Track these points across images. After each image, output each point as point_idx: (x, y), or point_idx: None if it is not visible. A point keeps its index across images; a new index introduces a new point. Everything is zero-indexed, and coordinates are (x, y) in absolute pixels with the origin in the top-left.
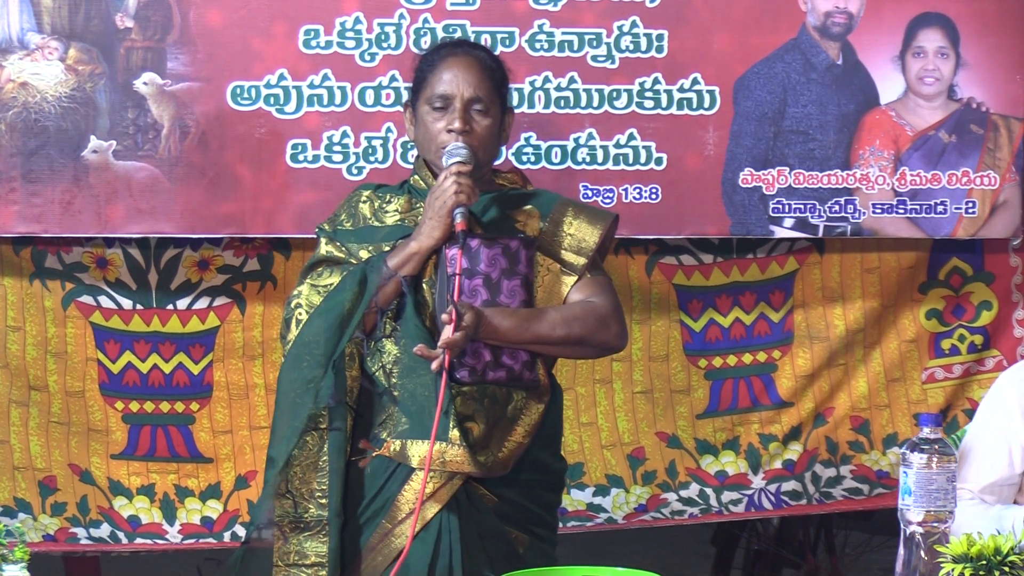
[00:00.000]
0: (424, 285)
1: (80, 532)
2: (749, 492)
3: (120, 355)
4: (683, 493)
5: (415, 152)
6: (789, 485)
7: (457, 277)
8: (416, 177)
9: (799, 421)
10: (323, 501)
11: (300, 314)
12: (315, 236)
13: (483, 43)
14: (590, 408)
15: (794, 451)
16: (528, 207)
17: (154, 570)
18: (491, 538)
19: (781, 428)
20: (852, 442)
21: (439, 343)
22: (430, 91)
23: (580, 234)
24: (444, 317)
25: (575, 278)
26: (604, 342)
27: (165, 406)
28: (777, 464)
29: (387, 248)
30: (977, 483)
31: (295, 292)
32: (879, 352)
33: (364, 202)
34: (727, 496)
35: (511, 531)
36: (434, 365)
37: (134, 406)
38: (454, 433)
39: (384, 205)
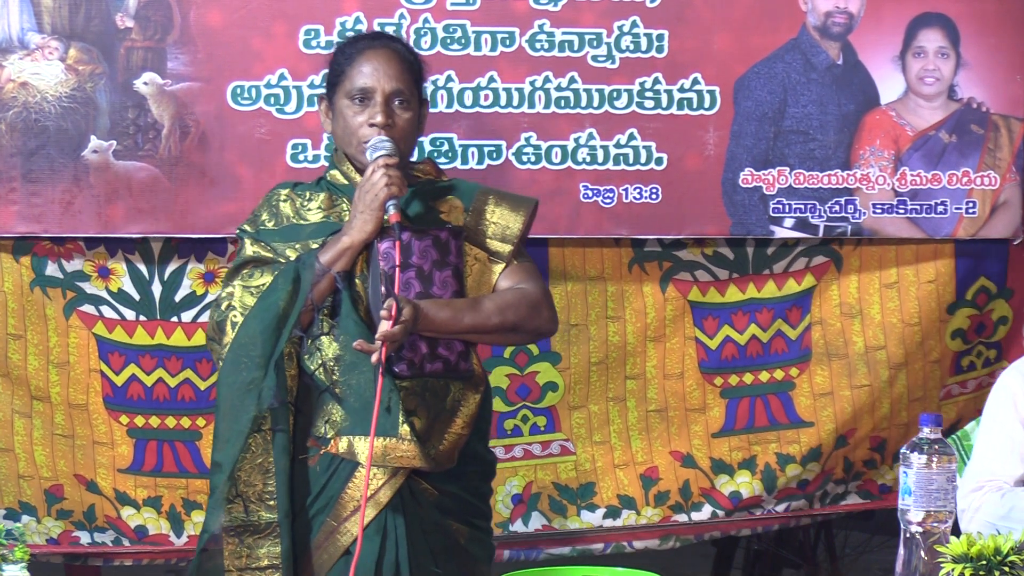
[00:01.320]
0: (357, 280)
1: (83, 536)
2: (757, 513)
3: (124, 367)
4: (694, 516)
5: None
6: (798, 504)
7: (396, 270)
8: (334, 172)
9: (819, 442)
10: (272, 503)
11: (235, 316)
12: (236, 238)
13: (483, 43)
14: (603, 427)
15: (811, 472)
16: (450, 198)
17: None
18: (433, 532)
19: (800, 448)
20: (867, 460)
21: (376, 336)
22: (350, 84)
23: (504, 222)
24: (383, 312)
25: (503, 265)
26: (537, 328)
27: (171, 421)
28: (792, 485)
29: (315, 245)
30: (1009, 475)
31: (224, 294)
32: (904, 373)
33: (284, 201)
34: (737, 516)
35: (452, 523)
36: (373, 359)
37: (139, 420)
38: (404, 428)
39: (305, 203)
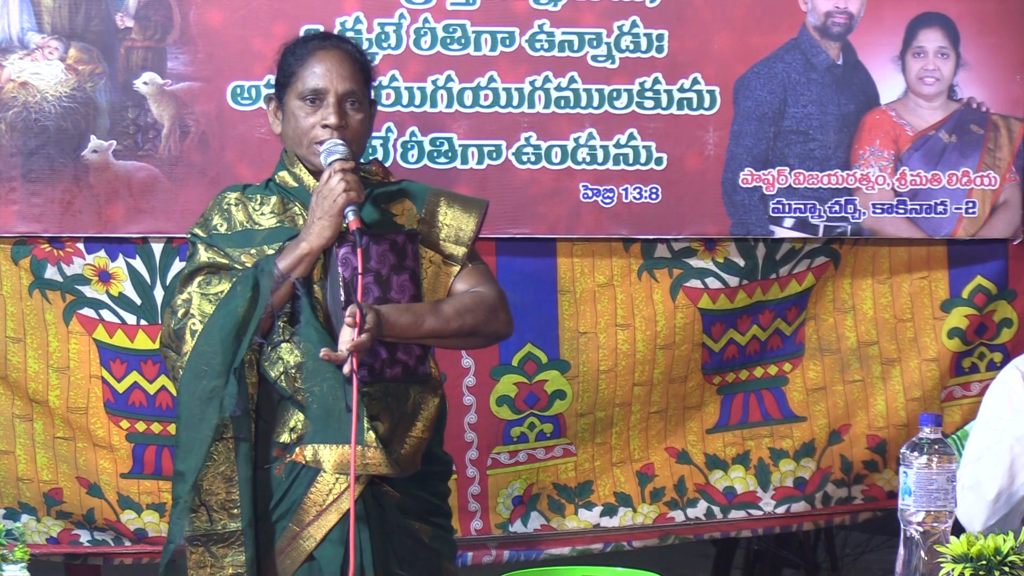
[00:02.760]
0: (315, 286)
1: (83, 535)
2: (758, 515)
3: (126, 375)
4: (690, 512)
5: (415, 152)
6: (799, 506)
7: (359, 276)
8: (284, 174)
9: (811, 437)
10: (236, 512)
11: (194, 324)
12: (188, 242)
13: (483, 43)
14: (606, 429)
15: (807, 468)
16: (402, 200)
17: None
18: (397, 534)
19: (792, 443)
20: (867, 461)
21: (346, 346)
22: (301, 85)
23: (456, 223)
24: (348, 320)
25: (458, 268)
26: (495, 331)
27: (173, 428)
28: (788, 482)
29: (270, 251)
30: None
31: (179, 301)
32: (899, 370)
33: (236, 205)
34: (735, 514)
35: (414, 524)
36: (346, 369)
37: (140, 426)
38: (369, 435)
39: (257, 207)
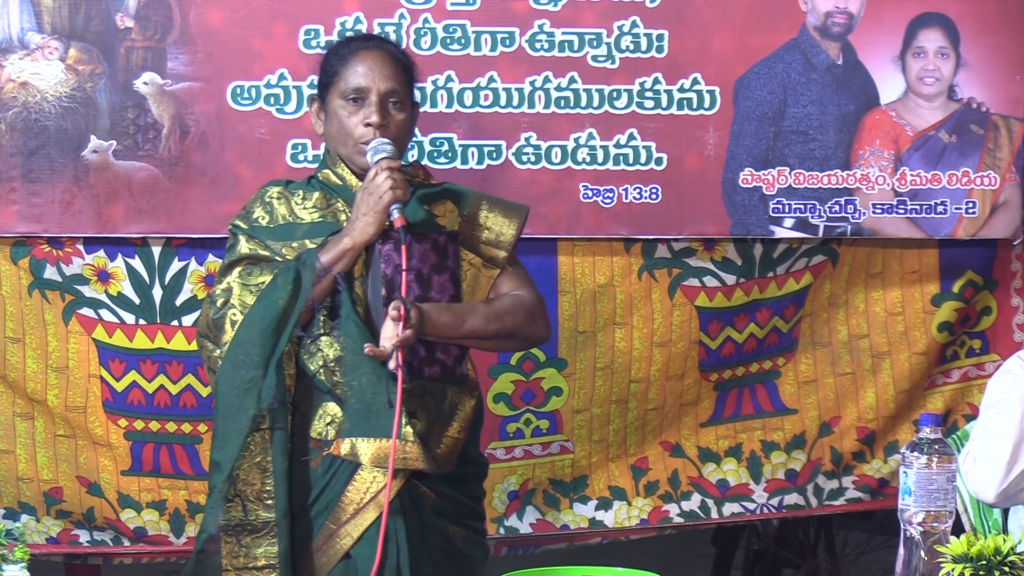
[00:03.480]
0: (356, 281)
1: (83, 535)
2: (751, 507)
3: (125, 374)
4: (684, 505)
5: (415, 152)
6: (791, 498)
7: (404, 273)
8: (327, 172)
9: (802, 429)
10: (270, 503)
11: (234, 314)
12: (229, 233)
13: (483, 43)
14: (603, 427)
15: (797, 460)
16: (444, 202)
17: None
18: (431, 535)
19: (784, 436)
20: (856, 452)
21: (390, 341)
22: (344, 84)
23: (497, 227)
24: (393, 313)
25: (498, 271)
26: (533, 335)
27: (171, 426)
28: (780, 474)
29: (312, 245)
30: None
31: (219, 291)
32: (888, 363)
33: (278, 199)
34: (728, 508)
35: (448, 526)
36: (391, 364)
37: (138, 424)
38: (407, 430)
39: (299, 202)
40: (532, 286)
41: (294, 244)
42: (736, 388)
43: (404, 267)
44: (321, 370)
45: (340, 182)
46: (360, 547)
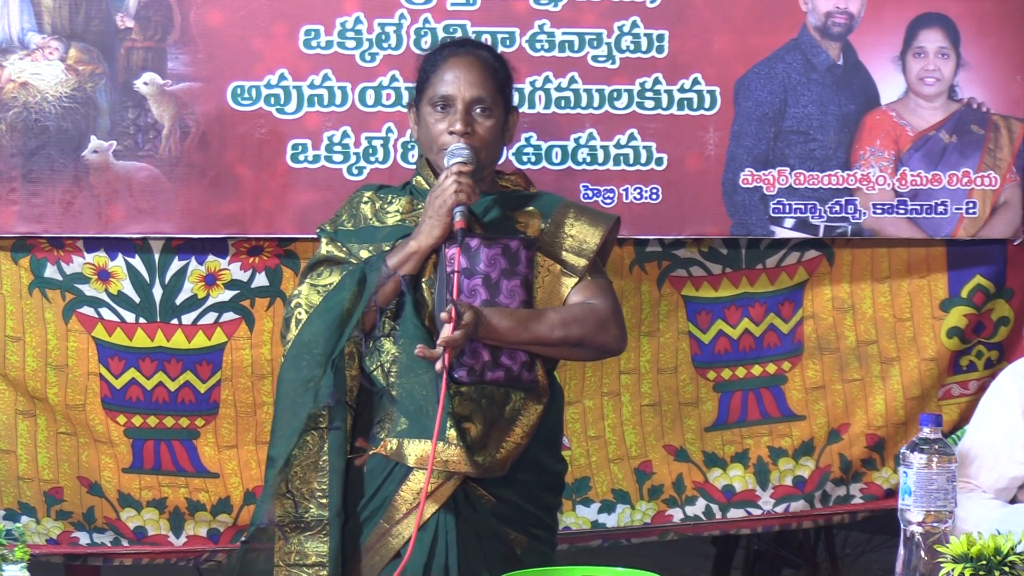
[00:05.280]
0: (423, 284)
1: (83, 536)
2: (756, 512)
3: (124, 371)
4: (689, 510)
5: (415, 152)
6: (798, 505)
7: (456, 275)
8: (419, 177)
9: (811, 435)
10: (323, 501)
11: (300, 314)
12: (316, 236)
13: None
14: (598, 421)
15: (806, 467)
16: (530, 208)
17: None
18: (488, 539)
19: (792, 442)
20: (866, 460)
21: (438, 341)
22: (432, 91)
23: (581, 236)
24: (443, 316)
25: (575, 280)
26: (603, 344)
27: (169, 421)
28: (787, 481)
29: (387, 248)
30: (988, 482)
31: (295, 292)
32: (898, 369)
33: (366, 203)
34: (733, 514)
35: (509, 532)
36: (437, 365)
37: (137, 420)
38: (451, 433)
39: (386, 206)
40: (609, 296)
41: (372, 247)
42: (740, 391)
43: (456, 269)
44: (379, 371)
45: (427, 186)
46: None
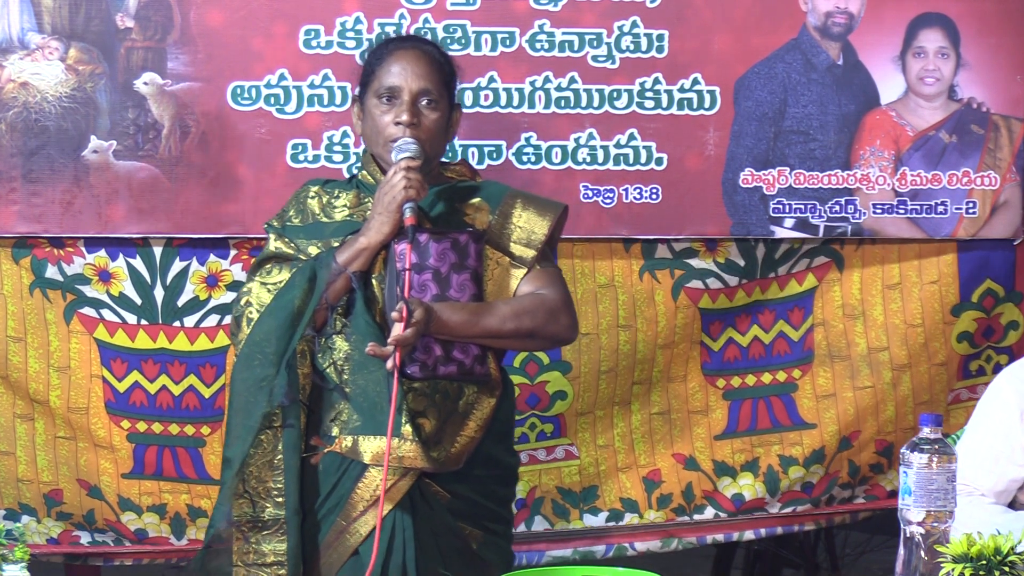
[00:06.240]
0: (374, 281)
1: (83, 536)
2: (760, 516)
3: (127, 374)
4: (697, 519)
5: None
6: (804, 508)
7: (407, 272)
8: (364, 172)
9: (821, 444)
10: (280, 500)
11: (251, 312)
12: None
13: (483, 43)
14: (607, 430)
15: (816, 475)
16: (476, 200)
17: None
18: (444, 535)
19: (803, 451)
20: (874, 464)
21: (389, 340)
22: (378, 83)
23: (529, 226)
24: (394, 315)
25: (524, 271)
26: (554, 334)
27: (174, 428)
28: (796, 487)
29: (336, 244)
30: (987, 486)
31: (245, 289)
32: (909, 375)
33: (312, 198)
34: (741, 516)
35: (464, 527)
36: (388, 364)
37: (141, 426)
38: (406, 429)
39: (333, 200)
40: (559, 285)
41: (320, 243)
42: (751, 399)
43: (407, 266)
44: (331, 368)
45: (373, 181)
46: (368, 544)
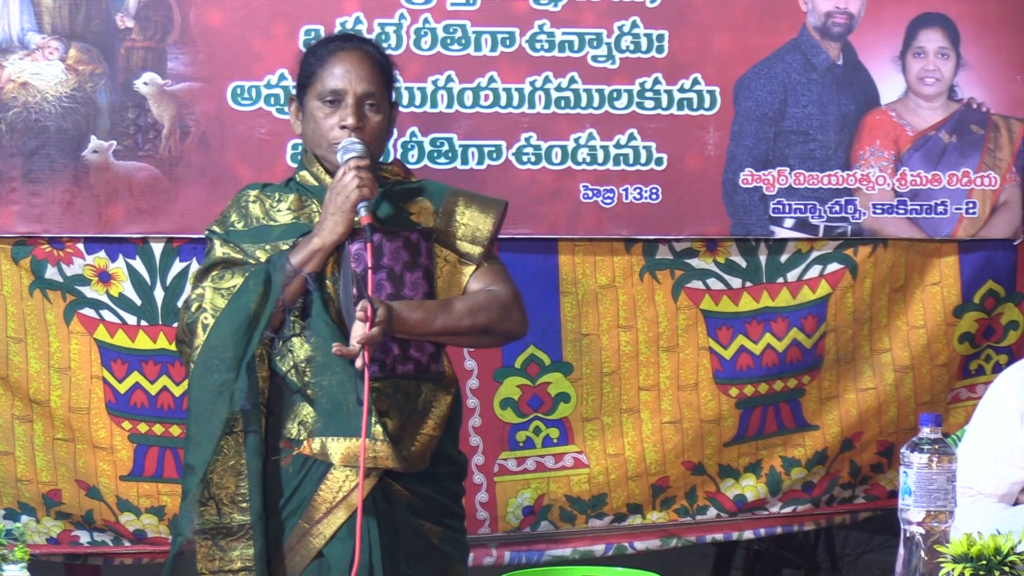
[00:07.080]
0: (328, 281)
1: (83, 535)
2: (760, 515)
3: (127, 375)
4: (699, 518)
5: (416, 152)
6: (804, 507)
7: (369, 272)
8: (304, 173)
9: (824, 446)
10: (244, 506)
11: (206, 318)
12: (206, 238)
13: (483, 43)
14: (617, 439)
15: (817, 475)
16: (419, 199)
17: None
18: (405, 533)
19: (805, 452)
20: (875, 464)
21: (356, 340)
22: (321, 86)
23: (474, 223)
24: (359, 314)
25: (473, 267)
26: (508, 330)
27: (175, 429)
28: (797, 487)
29: (285, 246)
30: (989, 489)
31: (194, 296)
32: (911, 377)
33: (254, 202)
34: (740, 516)
35: (424, 524)
36: (358, 363)
37: (142, 427)
38: (376, 429)
39: (274, 203)
40: (508, 281)
41: (267, 247)
42: (761, 407)
43: (370, 266)
44: (292, 370)
45: (316, 183)
46: (332, 546)
